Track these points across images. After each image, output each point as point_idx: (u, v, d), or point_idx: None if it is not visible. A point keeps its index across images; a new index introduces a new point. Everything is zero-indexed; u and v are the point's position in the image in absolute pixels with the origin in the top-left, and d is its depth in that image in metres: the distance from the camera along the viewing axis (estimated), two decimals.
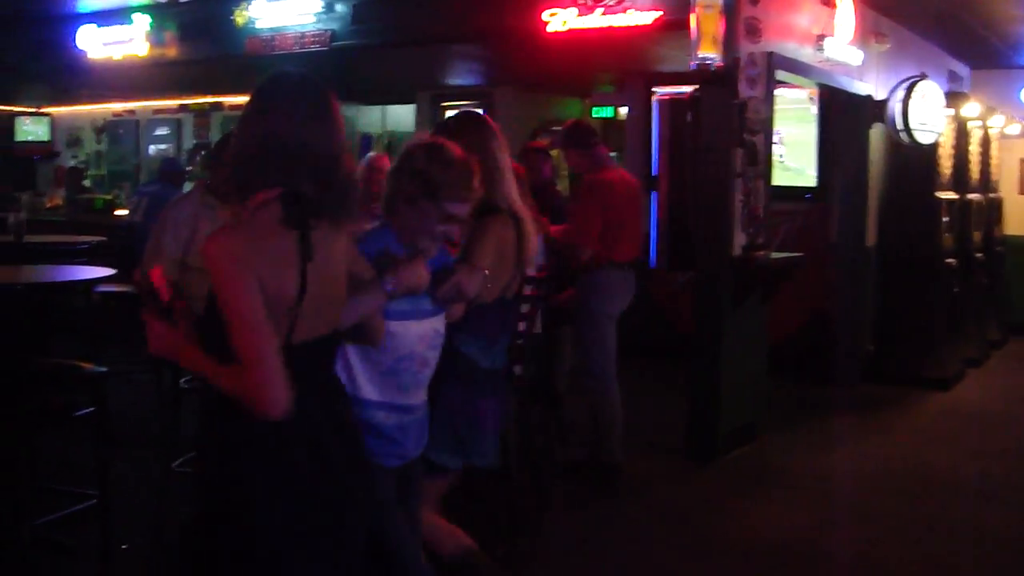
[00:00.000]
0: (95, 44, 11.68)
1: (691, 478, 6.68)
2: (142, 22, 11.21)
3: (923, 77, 9.50)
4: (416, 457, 3.43)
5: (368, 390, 3.24)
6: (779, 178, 8.91)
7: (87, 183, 15.49)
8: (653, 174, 10.26)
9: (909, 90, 9.37)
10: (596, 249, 6.27)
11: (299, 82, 2.75)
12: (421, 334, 3.30)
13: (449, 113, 12.09)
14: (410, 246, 3.22)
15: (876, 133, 9.72)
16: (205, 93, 14.50)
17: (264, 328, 2.52)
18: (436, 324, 3.37)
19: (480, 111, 4.42)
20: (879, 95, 9.65)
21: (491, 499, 5.43)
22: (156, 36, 11.21)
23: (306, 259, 2.57)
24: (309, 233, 2.59)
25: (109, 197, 13.53)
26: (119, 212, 12.24)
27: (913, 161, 9.77)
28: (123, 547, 5.04)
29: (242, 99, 12.25)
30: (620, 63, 10.22)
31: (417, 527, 3.52)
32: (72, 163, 16.42)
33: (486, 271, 3.62)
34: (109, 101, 15.77)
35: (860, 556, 5.42)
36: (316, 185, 2.62)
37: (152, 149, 15.50)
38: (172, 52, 11.15)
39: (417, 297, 3.20)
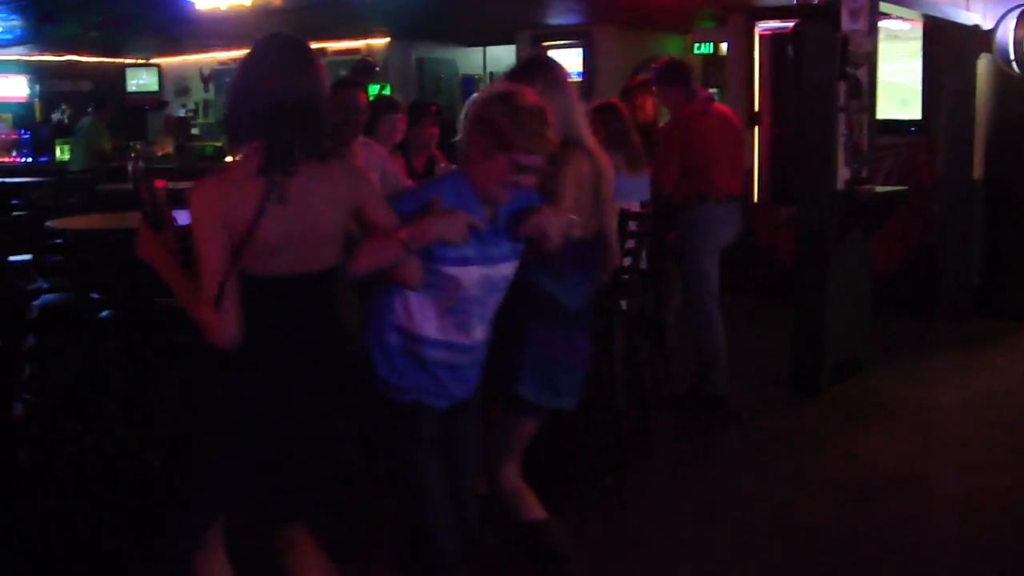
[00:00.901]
0: None
1: (795, 411, 6.74)
2: None
3: None
4: (468, 398, 3.41)
5: (425, 327, 3.23)
6: (883, 111, 8.83)
7: (195, 131, 15.88)
8: (755, 110, 10.23)
9: (1021, 18, 9.15)
10: (681, 186, 6.35)
11: (284, 41, 3.01)
12: (485, 277, 3.25)
13: (551, 53, 12.20)
14: (483, 194, 3.23)
15: (983, 64, 9.54)
16: (309, 39, 14.69)
17: (218, 261, 2.82)
18: (504, 269, 3.32)
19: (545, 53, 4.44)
20: (987, 24, 9.46)
21: (595, 432, 5.58)
22: None
23: (268, 201, 2.82)
24: (277, 178, 2.84)
25: (219, 144, 13.85)
26: (229, 159, 12.53)
27: (1022, 93, 9.57)
28: None
29: (346, 44, 12.43)
30: None
31: (468, 465, 3.48)
32: (181, 112, 16.83)
33: (571, 212, 3.57)
34: (214, 50, 16.09)
35: (963, 487, 5.45)
36: (295, 134, 2.87)
37: None
38: (277, 0, 11.34)
39: (485, 241, 3.21)
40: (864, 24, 7.24)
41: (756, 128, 10.10)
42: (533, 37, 12.39)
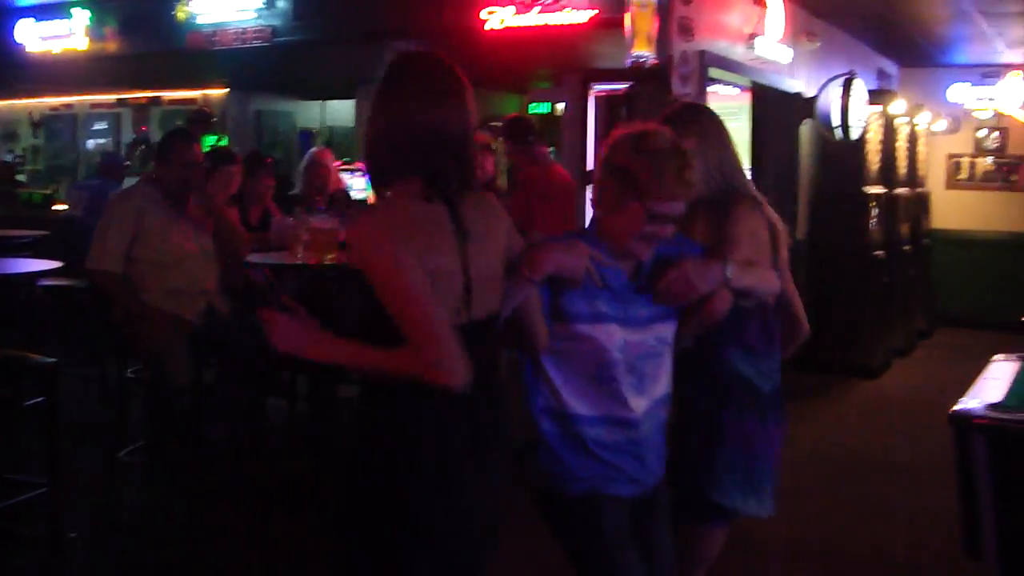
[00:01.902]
0: (33, 38, 11.66)
1: None
2: (82, 16, 11.21)
3: (852, 75, 9.74)
4: (655, 487, 3.00)
5: (574, 403, 2.85)
6: None
7: (22, 177, 15.37)
8: (589, 169, 10.42)
9: (846, 86, 9.55)
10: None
11: (433, 64, 2.68)
12: (631, 341, 2.86)
13: None
14: (618, 248, 2.86)
15: (805, 129, 9.97)
16: (144, 88, 14.47)
17: (432, 300, 2.41)
18: (659, 331, 2.93)
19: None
20: (809, 92, 9.89)
21: None
22: (96, 31, 11.23)
23: (462, 232, 2.51)
24: (457, 204, 2.53)
25: (47, 191, 13.46)
26: (58, 207, 12.20)
27: (842, 157, 10.01)
28: (71, 535, 5.12)
29: (182, 94, 12.13)
30: (557, 60, 10.36)
31: (663, 570, 3.01)
32: (8, 157, 16.29)
33: (730, 265, 2.97)
34: (45, 95, 15.67)
35: (790, 535, 5.61)
36: (451, 163, 2.55)
37: (90, 143, 15.42)
38: (112, 47, 11.17)
39: (624, 300, 2.86)
40: (694, 88, 7.51)
41: (589, 187, 10.29)
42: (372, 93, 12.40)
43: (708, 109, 3.71)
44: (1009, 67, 12.70)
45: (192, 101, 13.95)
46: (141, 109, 14.86)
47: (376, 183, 2.64)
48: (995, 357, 4.48)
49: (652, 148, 2.79)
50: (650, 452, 2.93)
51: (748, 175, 3.60)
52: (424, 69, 2.66)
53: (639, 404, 2.88)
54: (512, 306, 2.66)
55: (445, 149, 2.53)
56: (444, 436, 2.48)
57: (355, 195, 8.39)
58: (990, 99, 12.90)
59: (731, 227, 3.21)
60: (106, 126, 15.27)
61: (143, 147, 13.88)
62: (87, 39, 11.24)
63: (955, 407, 3.45)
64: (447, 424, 2.48)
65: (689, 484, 3.21)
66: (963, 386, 3.85)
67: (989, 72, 12.88)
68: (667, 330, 2.94)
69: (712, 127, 3.49)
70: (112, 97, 15.03)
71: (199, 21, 10.38)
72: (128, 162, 13.03)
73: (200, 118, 11.60)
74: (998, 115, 13.07)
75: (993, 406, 3.45)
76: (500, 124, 7.07)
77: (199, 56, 10.32)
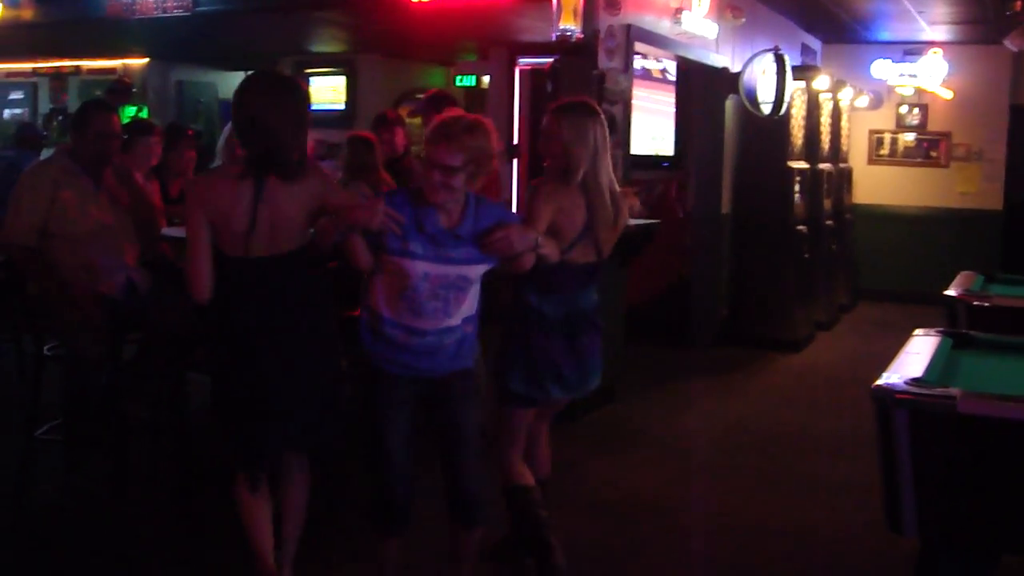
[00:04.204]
0: None
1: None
2: None
3: (777, 50, 9.78)
4: (444, 376, 3.94)
5: (383, 308, 3.83)
6: (637, 147, 9.14)
7: None
8: (515, 143, 10.40)
9: (780, 62, 9.57)
10: None
11: (262, 75, 4.04)
12: (429, 273, 3.75)
13: (314, 80, 12.12)
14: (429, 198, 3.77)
15: (730, 104, 10.01)
16: (62, 57, 14.17)
17: (197, 243, 3.78)
18: (463, 271, 3.82)
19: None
20: (734, 67, 9.93)
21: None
22: None
23: (257, 199, 3.74)
24: (260, 183, 3.76)
25: None
26: None
27: (766, 132, 10.07)
28: None
29: (102, 63, 11.93)
30: (483, 33, 10.32)
31: (460, 442, 3.97)
32: None
33: (538, 237, 4.04)
34: None
35: (715, 511, 5.65)
36: (268, 151, 3.75)
37: (6, 113, 15.10)
38: (28, 14, 10.87)
39: (437, 242, 3.75)
40: (620, 62, 7.50)
41: (515, 160, 10.28)
42: (296, 64, 12.27)
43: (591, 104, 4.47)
44: (931, 44, 12.91)
45: (112, 71, 13.71)
46: (59, 79, 14.58)
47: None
48: (916, 332, 4.54)
49: (448, 121, 3.75)
50: (438, 354, 3.88)
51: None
52: (258, 82, 3.94)
53: (434, 322, 3.82)
54: (333, 240, 3.79)
55: (258, 138, 3.77)
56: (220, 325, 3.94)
57: None
58: (912, 76, 13.08)
59: (532, 199, 4.25)
60: (22, 96, 14.96)
61: (61, 117, 13.61)
62: (1, 6, 10.93)
63: (877, 382, 3.49)
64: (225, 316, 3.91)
65: (495, 375, 4.41)
66: (884, 360, 3.89)
67: (911, 49, 13.07)
68: (472, 271, 3.85)
69: (578, 115, 4.33)
70: (29, 66, 14.72)
71: None
72: (46, 132, 12.77)
73: (120, 88, 11.38)
74: (919, 92, 13.26)
75: (914, 381, 3.49)
76: (420, 98, 6.97)
77: (119, 25, 10.08)
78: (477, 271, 3.89)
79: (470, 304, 3.93)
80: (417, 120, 9.58)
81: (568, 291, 4.37)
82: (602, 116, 4.38)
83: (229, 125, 6.90)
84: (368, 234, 3.74)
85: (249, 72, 3.81)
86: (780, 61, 9.49)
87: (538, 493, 4.51)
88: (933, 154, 13.48)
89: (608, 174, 4.34)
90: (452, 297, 3.83)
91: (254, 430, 3.92)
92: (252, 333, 3.83)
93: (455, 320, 3.88)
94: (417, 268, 3.74)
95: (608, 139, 4.35)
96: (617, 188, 4.42)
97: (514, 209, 10.12)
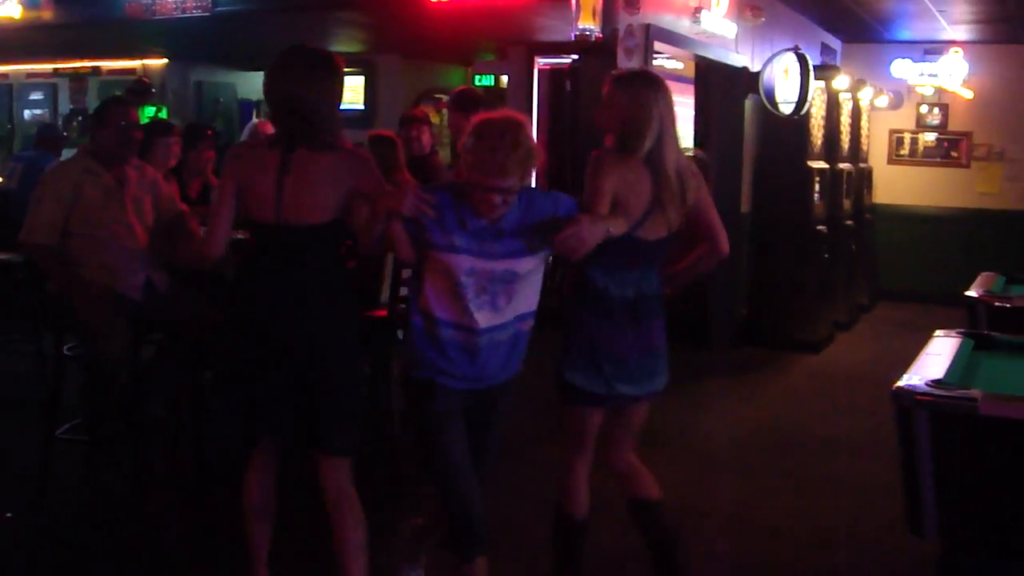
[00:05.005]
0: None
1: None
2: None
3: (797, 50, 9.74)
4: (493, 387, 3.79)
5: (435, 308, 3.64)
6: None
7: None
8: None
9: (803, 63, 9.54)
10: None
11: (301, 50, 4.10)
12: (475, 268, 3.59)
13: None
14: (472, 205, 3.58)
15: (749, 104, 9.98)
16: (82, 57, 14.20)
17: (222, 205, 3.87)
18: (510, 265, 3.63)
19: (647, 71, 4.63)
20: (754, 67, 9.90)
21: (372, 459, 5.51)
22: None
23: (284, 167, 3.75)
24: (288, 154, 3.77)
25: None
26: None
27: (785, 131, 10.04)
28: (7, 515, 5.05)
29: (121, 64, 11.95)
30: (502, 33, 10.30)
31: (483, 454, 3.85)
32: None
33: (609, 223, 3.74)
34: None
35: (733, 511, 5.64)
36: (298, 125, 3.79)
37: (27, 114, 15.14)
38: (48, 15, 10.90)
39: (480, 237, 3.58)
40: (639, 62, 7.47)
41: None
42: None
43: (648, 75, 4.31)
44: (951, 44, 12.82)
45: (131, 71, 13.73)
46: (79, 79, 14.60)
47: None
48: (936, 333, 4.51)
49: (488, 134, 3.48)
50: (490, 358, 3.70)
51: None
52: (291, 53, 4.12)
53: (486, 318, 3.63)
54: (379, 231, 3.64)
55: (289, 112, 3.84)
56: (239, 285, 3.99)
57: None
58: (932, 75, 12.99)
59: (592, 182, 3.88)
60: (42, 96, 15.00)
61: (81, 118, 13.65)
62: (20, 7, 10.95)
63: (897, 383, 3.47)
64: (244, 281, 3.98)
65: (555, 367, 4.05)
66: (905, 361, 3.87)
67: (931, 49, 12.98)
68: (518, 264, 3.65)
69: (636, 89, 4.04)
70: (49, 67, 14.76)
71: None
72: (66, 133, 12.80)
73: (139, 88, 11.41)
74: (940, 91, 13.17)
75: (935, 383, 3.47)
76: (446, 96, 6.96)
77: (138, 25, 10.10)
78: (524, 264, 3.67)
79: (524, 299, 3.74)
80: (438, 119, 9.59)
81: (637, 268, 4.08)
82: (666, 86, 4.06)
83: (250, 125, 6.91)
84: (410, 225, 3.59)
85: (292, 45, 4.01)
86: (803, 60, 9.45)
87: (585, 531, 4.34)
88: (953, 154, 13.41)
89: (676, 149, 4.05)
90: (500, 291, 3.64)
91: (254, 394, 3.86)
92: (270, 303, 3.78)
93: (506, 316, 3.68)
94: (463, 263, 3.58)
95: (675, 112, 4.04)
96: (684, 163, 4.13)
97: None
